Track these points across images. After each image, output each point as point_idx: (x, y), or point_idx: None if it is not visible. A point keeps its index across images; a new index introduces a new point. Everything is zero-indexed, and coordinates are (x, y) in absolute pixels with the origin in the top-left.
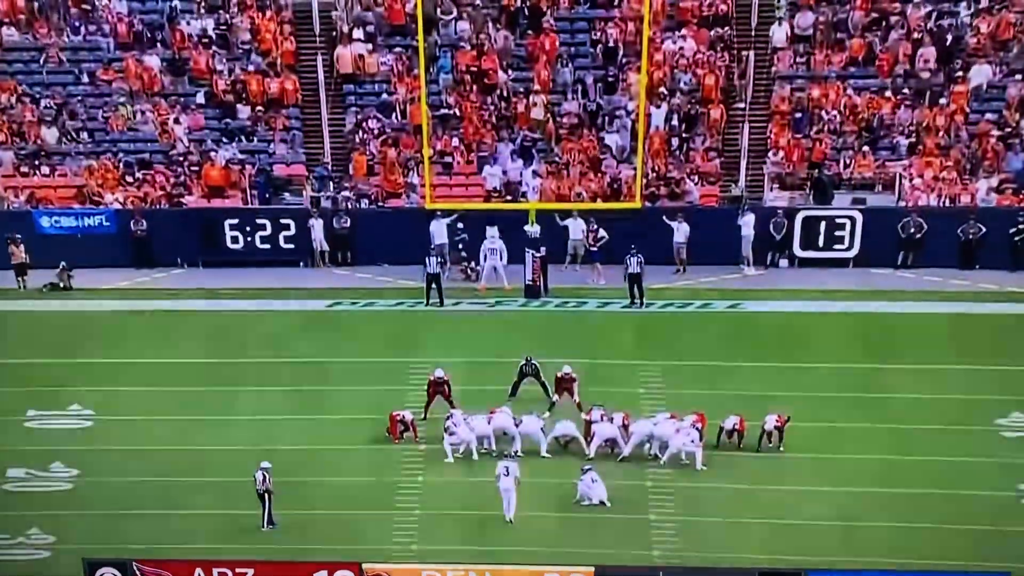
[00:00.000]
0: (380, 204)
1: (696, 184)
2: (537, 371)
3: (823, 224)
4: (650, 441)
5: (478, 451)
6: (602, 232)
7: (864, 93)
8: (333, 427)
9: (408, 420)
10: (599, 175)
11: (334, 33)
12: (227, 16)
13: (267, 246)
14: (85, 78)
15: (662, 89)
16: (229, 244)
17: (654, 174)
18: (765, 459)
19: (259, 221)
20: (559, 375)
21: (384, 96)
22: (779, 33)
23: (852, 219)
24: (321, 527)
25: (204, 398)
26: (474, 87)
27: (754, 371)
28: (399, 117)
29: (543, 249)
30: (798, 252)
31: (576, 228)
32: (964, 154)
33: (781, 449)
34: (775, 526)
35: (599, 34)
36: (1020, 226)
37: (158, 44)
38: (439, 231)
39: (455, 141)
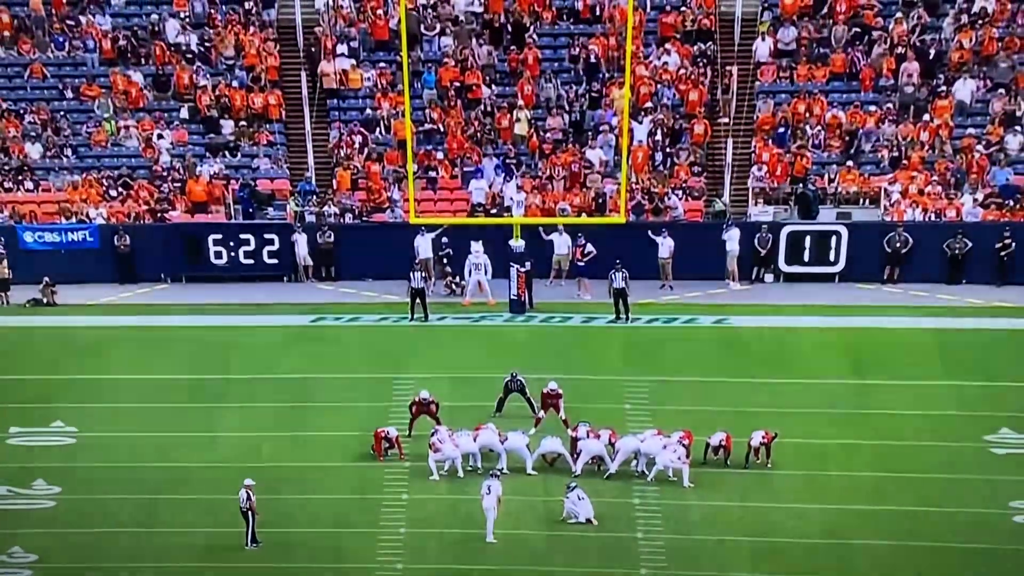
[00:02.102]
0: (364, 219)
1: (681, 199)
2: (523, 387)
3: (808, 239)
4: (637, 458)
5: (464, 468)
6: (590, 247)
7: (848, 107)
8: (317, 444)
9: (392, 437)
10: (583, 190)
11: (313, 49)
12: (211, 32)
13: (251, 261)
14: (69, 93)
15: (647, 104)
16: (213, 259)
17: (638, 189)
18: (753, 476)
19: (243, 236)
20: (545, 391)
21: (368, 111)
22: (762, 48)
23: (837, 234)
24: (305, 546)
25: (187, 415)
26: (458, 102)
27: (740, 386)
28: (383, 132)
29: (528, 264)
30: (783, 267)
31: (561, 243)
32: (949, 168)
33: (769, 466)
34: (764, 544)
35: (581, 50)
36: (1006, 240)
37: (142, 59)
38: (424, 246)
39: (439, 156)
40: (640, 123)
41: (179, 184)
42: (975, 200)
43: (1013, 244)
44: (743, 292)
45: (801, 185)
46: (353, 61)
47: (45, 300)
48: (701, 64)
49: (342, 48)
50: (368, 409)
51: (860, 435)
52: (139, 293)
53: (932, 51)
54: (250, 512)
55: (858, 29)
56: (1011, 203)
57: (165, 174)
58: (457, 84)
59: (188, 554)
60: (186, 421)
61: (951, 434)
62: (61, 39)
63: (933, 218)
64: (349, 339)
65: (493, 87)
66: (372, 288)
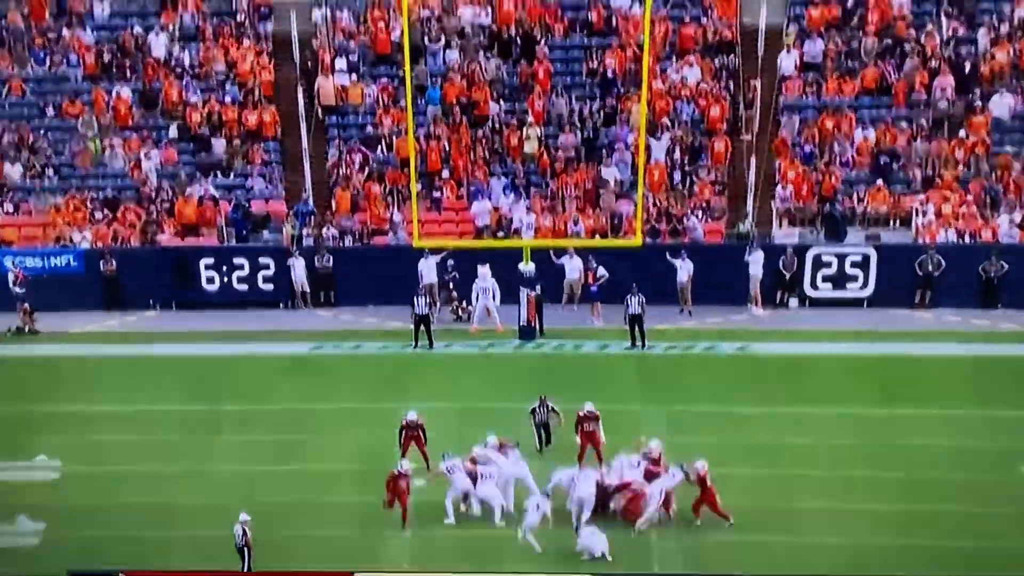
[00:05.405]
0: (364, 242)
1: (700, 220)
2: (547, 419)
3: (835, 262)
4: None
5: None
6: (602, 270)
7: (878, 124)
8: (316, 478)
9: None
10: (597, 210)
11: (310, 63)
12: (202, 46)
13: (245, 287)
14: (51, 111)
15: (664, 120)
16: (205, 285)
17: (655, 209)
18: (776, 510)
19: (236, 260)
20: (581, 414)
21: (369, 129)
22: (787, 61)
23: (866, 256)
24: None
25: (179, 448)
26: (464, 119)
27: (762, 417)
28: (384, 150)
29: (538, 288)
30: (809, 291)
31: (572, 267)
32: (985, 188)
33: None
34: None
35: (596, 63)
36: None
37: (128, 74)
38: (428, 270)
39: (444, 175)
40: (658, 139)
41: (168, 205)
42: (1012, 221)
43: None
44: (766, 318)
45: (828, 206)
46: (353, 76)
47: (27, 328)
48: (722, 78)
49: (341, 63)
50: (370, 442)
51: (889, 467)
52: (126, 320)
53: (967, 64)
54: (246, 548)
55: (889, 41)
56: None
57: (153, 195)
58: (463, 100)
59: None
60: (177, 455)
61: (985, 466)
62: (42, 54)
63: (967, 240)
64: (350, 368)
65: (502, 103)
66: (373, 314)
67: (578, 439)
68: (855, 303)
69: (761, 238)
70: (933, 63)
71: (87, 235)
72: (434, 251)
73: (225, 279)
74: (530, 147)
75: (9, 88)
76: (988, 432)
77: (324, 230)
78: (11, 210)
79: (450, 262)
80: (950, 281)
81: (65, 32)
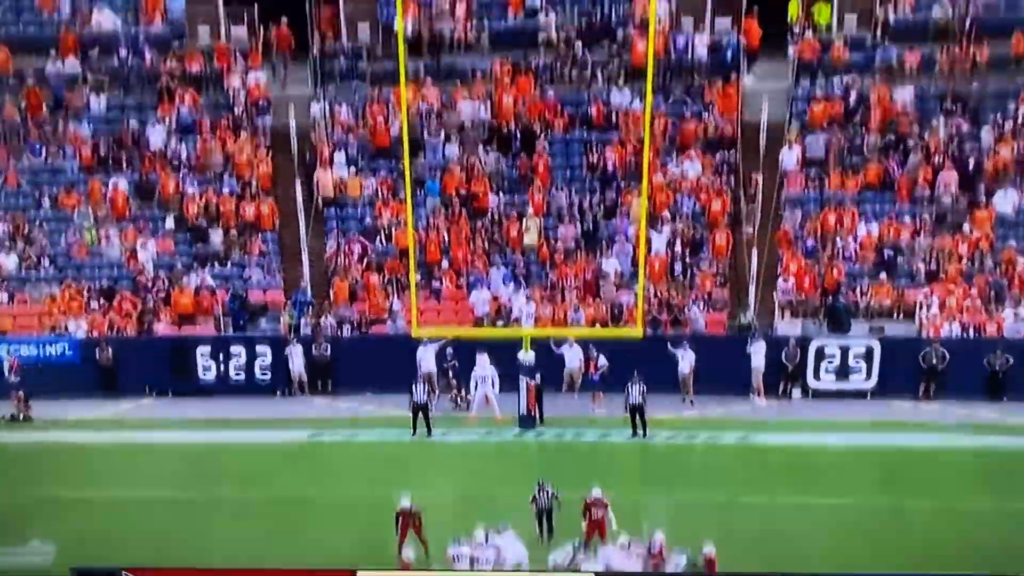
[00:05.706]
0: (363, 331)
1: (702, 311)
2: (548, 506)
3: (838, 354)
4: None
5: None
6: (603, 360)
7: (882, 218)
8: (314, 566)
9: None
10: (597, 300)
11: (308, 156)
12: (199, 138)
13: (241, 375)
14: (47, 202)
15: (665, 213)
16: (201, 373)
17: (656, 300)
18: None
19: (233, 349)
20: (588, 500)
21: (368, 220)
22: (789, 157)
23: (870, 348)
24: None
25: (174, 535)
26: (463, 211)
27: (765, 507)
28: (383, 241)
29: (538, 377)
30: (812, 383)
31: (573, 356)
32: (989, 282)
33: None
34: None
35: (596, 157)
36: None
37: (124, 166)
38: (426, 358)
39: (444, 265)
40: (659, 232)
41: (164, 295)
42: (1017, 315)
43: None
44: (769, 408)
45: (831, 298)
46: (352, 169)
47: (20, 415)
48: (723, 172)
49: (340, 156)
50: (368, 529)
51: (894, 559)
52: (122, 408)
53: (971, 161)
54: None
55: (892, 137)
56: None
57: (149, 284)
58: (463, 192)
59: None
60: (171, 544)
61: (996, 563)
62: (38, 146)
63: (972, 333)
64: (347, 456)
65: (501, 195)
66: (372, 402)
67: (584, 526)
68: (858, 395)
69: (763, 329)
70: (937, 159)
71: (83, 324)
72: (433, 340)
73: (222, 368)
74: (530, 238)
75: (4, 179)
76: (998, 526)
77: (322, 319)
78: (6, 299)
79: (449, 350)
80: (954, 374)
81: (61, 125)
